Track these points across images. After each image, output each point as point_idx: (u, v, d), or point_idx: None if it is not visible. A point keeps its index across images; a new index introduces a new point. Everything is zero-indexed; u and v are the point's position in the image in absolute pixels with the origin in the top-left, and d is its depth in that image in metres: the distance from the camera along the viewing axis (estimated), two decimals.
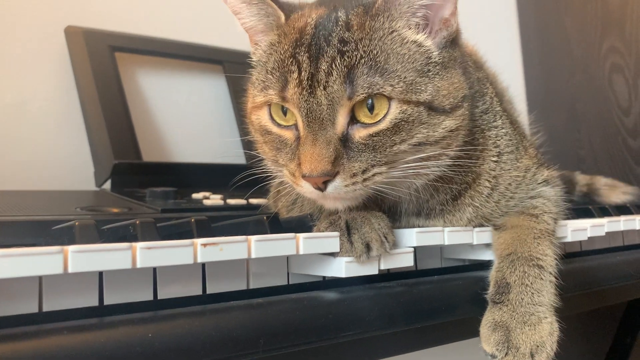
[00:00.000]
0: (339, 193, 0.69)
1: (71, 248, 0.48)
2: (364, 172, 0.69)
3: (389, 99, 0.69)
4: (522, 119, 1.38)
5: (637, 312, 1.63)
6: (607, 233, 1.03)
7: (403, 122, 0.70)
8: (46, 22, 1.38)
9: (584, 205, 1.21)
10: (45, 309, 0.54)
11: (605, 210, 1.21)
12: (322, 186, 0.68)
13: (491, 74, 1.21)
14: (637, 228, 1.06)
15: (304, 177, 0.69)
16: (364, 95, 0.69)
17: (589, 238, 0.99)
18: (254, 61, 0.81)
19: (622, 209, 1.26)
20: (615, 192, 1.50)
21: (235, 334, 0.54)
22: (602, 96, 2.18)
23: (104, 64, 1.37)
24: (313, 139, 0.69)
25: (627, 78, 2.11)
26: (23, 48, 1.36)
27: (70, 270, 0.48)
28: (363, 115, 0.70)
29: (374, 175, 0.69)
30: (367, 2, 0.75)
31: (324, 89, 0.68)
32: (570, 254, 1.02)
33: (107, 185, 1.27)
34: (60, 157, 1.36)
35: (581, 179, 1.55)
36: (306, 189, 0.70)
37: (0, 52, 1.32)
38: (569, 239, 0.90)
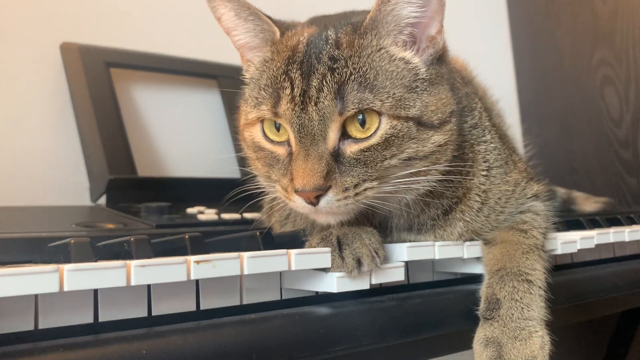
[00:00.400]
0: (331, 208, 0.71)
1: (67, 267, 0.49)
2: (355, 186, 0.70)
3: (379, 114, 0.71)
4: (514, 132, 1.41)
5: (630, 323, 1.65)
6: (596, 245, 1.05)
7: (393, 137, 0.71)
8: (42, 39, 1.40)
9: (576, 217, 1.23)
10: (41, 326, 0.55)
11: (595, 222, 1.23)
12: (314, 201, 0.70)
13: (481, 88, 1.23)
14: (627, 240, 1.07)
15: (296, 192, 0.70)
16: (354, 110, 0.70)
17: (579, 250, 1.01)
18: (246, 78, 0.83)
19: (612, 221, 1.27)
20: (589, 201, 1.57)
21: (228, 349, 0.55)
22: (593, 108, 2.20)
23: (99, 80, 1.39)
24: (305, 154, 0.70)
25: (618, 89, 2.13)
26: (19, 64, 1.38)
27: (66, 288, 0.49)
28: (355, 130, 0.72)
29: (365, 190, 0.71)
30: (356, 20, 0.77)
31: (315, 104, 0.70)
32: (561, 266, 1.04)
33: (103, 200, 1.28)
34: (56, 172, 1.37)
35: (560, 190, 1.63)
36: (299, 203, 0.72)
37: None
38: (559, 251, 0.92)
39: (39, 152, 1.37)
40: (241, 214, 1.09)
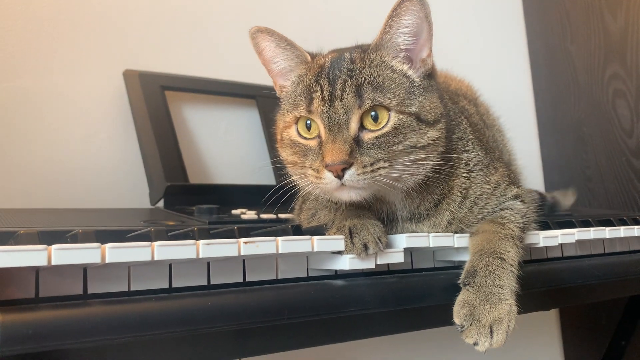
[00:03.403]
0: (353, 181, 0.89)
1: (156, 243, 0.70)
2: (372, 164, 0.90)
3: (388, 110, 0.93)
4: (525, 143, 1.56)
5: (631, 317, 1.77)
6: (577, 241, 1.20)
7: (400, 127, 0.92)
8: (108, 67, 1.59)
9: (568, 218, 1.38)
10: (132, 288, 0.75)
11: (587, 222, 1.37)
12: (340, 174, 0.89)
13: (484, 107, 1.41)
14: (607, 237, 1.23)
15: (326, 167, 0.89)
16: (370, 104, 0.92)
17: (571, 244, 1.17)
18: (283, 96, 1.04)
19: (603, 222, 1.41)
20: (567, 196, 1.74)
21: (266, 305, 0.75)
22: (606, 119, 2.30)
23: (156, 101, 1.56)
24: (333, 138, 0.91)
25: (629, 102, 2.21)
26: (89, 90, 1.57)
27: (155, 258, 0.69)
28: (369, 124, 0.93)
29: (379, 168, 0.91)
30: (364, 45, 1.00)
31: (340, 100, 0.92)
32: (551, 258, 1.20)
33: (160, 204, 1.46)
34: (121, 180, 1.56)
35: (547, 194, 1.78)
36: (328, 179, 0.90)
37: (71, 94, 1.54)
38: (541, 244, 1.09)
39: (107, 163, 1.55)
40: (276, 214, 1.26)
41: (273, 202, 1.04)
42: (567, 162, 2.50)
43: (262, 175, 1.63)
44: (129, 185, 1.56)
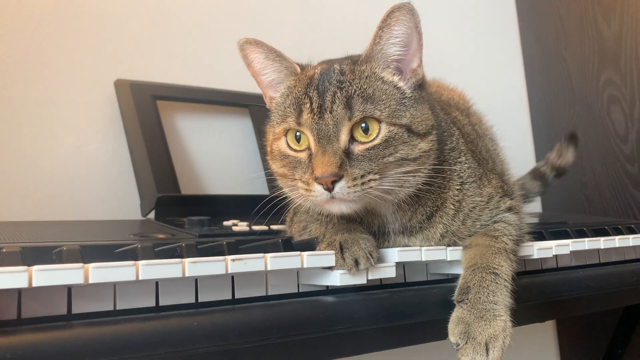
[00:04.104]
0: (343, 194, 0.88)
1: (141, 262, 0.68)
2: (362, 177, 0.89)
3: (379, 121, 0.91)
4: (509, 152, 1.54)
5: (628, 325, 1.77)
6: (583, 251, 1.20)
7: (391, 139, 0.91)
8: (99, 77, 1.58)
9: (563, 227, 1.37)
10: (118, 307, 0.73)
11: (582, 232, 1.37)
12: (330, 186, 0.88)
13: (476, 116, 1.40)
14: (602, 247, 1.22)
15: (316, 179, 0.88)
16: (360, 116, 0.90)
17: (559, 256, 1.16)
18: (272, 108, 1.03)
19: (598, 231, 1.40)
20: (564, 155, 1.81)
21: (255, 324, 0.74)
22: (601, 125, 2.30)
23: (148, 111, 1.55)
24: (323, 150, 0.90)
25: (624, 108, 2.21)
26: (80, 99, 1.56)
27: (140, 277, 0.68)
28: (360, 136, 0.91)
29: (370, 180, 0.89)
30: (354, 56, 0.99)
31: (330, 112, 0.90)
32: (546, 270, 1.19)
33: (151, 215, 1.45)
34: (111, 191, 1.55)
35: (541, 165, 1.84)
36: (318, 192, 0.89)
37: (61, 104, 1.53)
38: (535, 256, 1.08)
39: (97, 174, 1.54)
40: (268, 225, 1.25)
41: (265, 212, 1.02)
42: None
43: (256, 185, 1.62)
44: (120, 196, 1.55)
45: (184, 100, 1.67)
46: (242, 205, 1.42)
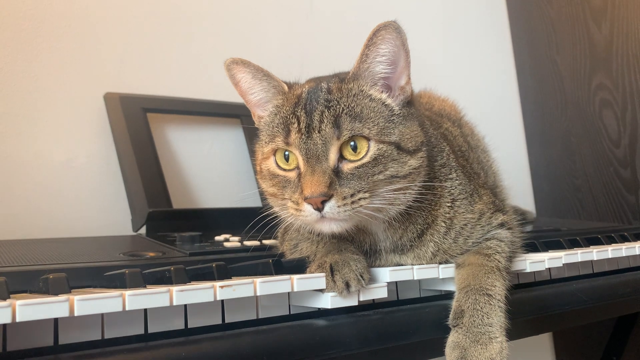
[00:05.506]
0: (333, 213, 0.87)
1: (127, 292, 0.67)
2: (352, 195, 0.88)
3: (368, 139, 0.91)
4: (503, 162, 1.55)
5: (622, 333, 1.77)
6: (576, 263, 1.19)
7: (380, 157, 0.90)
8: (88, 90, 1.58)
9: (556, 237, 1.36)
10: (106, 336, 0.72)
11: (575, 242, 1.36)
12: (320, 206, 0.87)
13: (468, 127, 1.39)
14: (595, 258, 1.21)
15: (305, 199, 0.87)
16: (349, 135, 0.90)
17: (551, 268, 1.15)
18: (261, 126, 1.02)
19: (592, 240, 1.40)
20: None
21: (245, 353, 0.72)
22: (593, 129, 2.31)
23: (138, 124, 1.55)
24: (312, 170, 0.89)
25: (616, 112, 2.22)
26: (69, 113, 1.55)
27: (127, 308, 0.67)
28: (349, 155, 0.90)
29: (360, 199, 0.88)
30: (342, 74, 0.99)
31: (319, 132, 0.89)
32: (539, 282, 1.18)
33: (143, 230, 1.44)
34: (101, 206, 1.54)
35: None
36: (307, 211, 0.88)
37: (50, 117, 1.52)
38: (528, 270, 1.07)
39: (87, 188, 1.53)
40: (260, 240, 1.24)
41: (258, 227, 1.01)
42: (555, 172, 2.50)
43: (248, 197, 1.60)
44: (110, 211, 1.55)
45: (174, 112, 1.67)
46: (234, 218, 1.42)
